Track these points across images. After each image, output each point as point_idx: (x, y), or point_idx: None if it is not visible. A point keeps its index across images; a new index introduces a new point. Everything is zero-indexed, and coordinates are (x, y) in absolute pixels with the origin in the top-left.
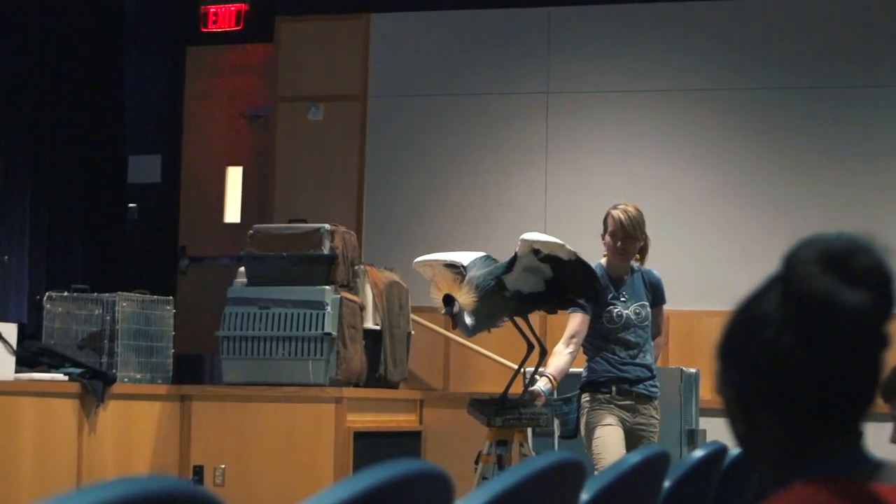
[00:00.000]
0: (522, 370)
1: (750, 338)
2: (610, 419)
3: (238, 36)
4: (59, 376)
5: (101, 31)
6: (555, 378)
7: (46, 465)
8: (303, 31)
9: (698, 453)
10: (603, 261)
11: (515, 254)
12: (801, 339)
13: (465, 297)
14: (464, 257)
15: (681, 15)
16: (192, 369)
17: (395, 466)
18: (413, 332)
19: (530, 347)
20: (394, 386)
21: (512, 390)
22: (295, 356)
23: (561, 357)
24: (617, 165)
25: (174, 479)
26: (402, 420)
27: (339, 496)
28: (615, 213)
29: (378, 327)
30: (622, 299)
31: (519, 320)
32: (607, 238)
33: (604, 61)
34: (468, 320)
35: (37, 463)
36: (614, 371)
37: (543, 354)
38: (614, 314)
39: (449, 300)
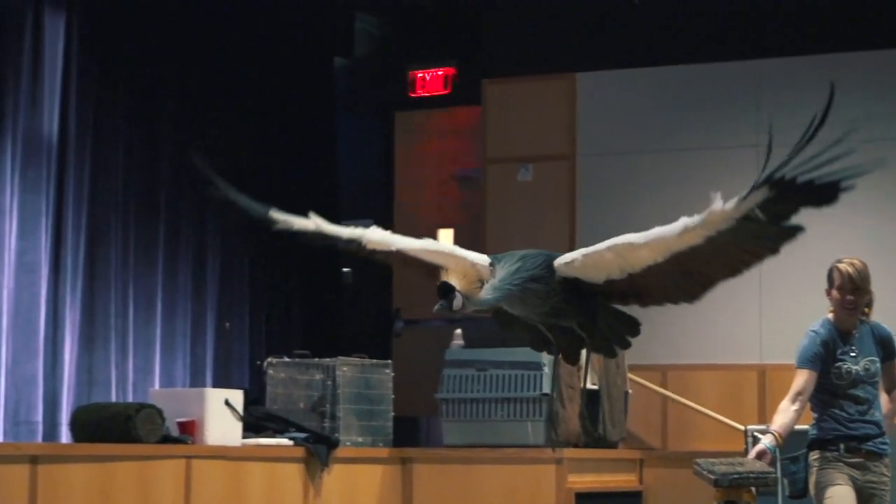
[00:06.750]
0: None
1: None
2: (840, 478)
3: (445, 100)
4: (285, 441)
5: (312, 98)
6: (780, 435)
7: None
8: (510, 93)
9: None
10: (830, 316)
11: None
12: None
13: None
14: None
15: (892, 62)
16: (408, 431)
17: None
18: (630, 392)
19: None
20: (613, 446)
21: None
22: (514, 417)
23: (786, 414)
24: (834, 217)
25: None
26: (622, 480)
27: None
28: (841, 266)
29: (596, 386)
30: (852, 355)
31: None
32: (834, 293)
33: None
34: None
35: None
36: (842, 429)
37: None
38: (843, 370)
39: (447, 290)
